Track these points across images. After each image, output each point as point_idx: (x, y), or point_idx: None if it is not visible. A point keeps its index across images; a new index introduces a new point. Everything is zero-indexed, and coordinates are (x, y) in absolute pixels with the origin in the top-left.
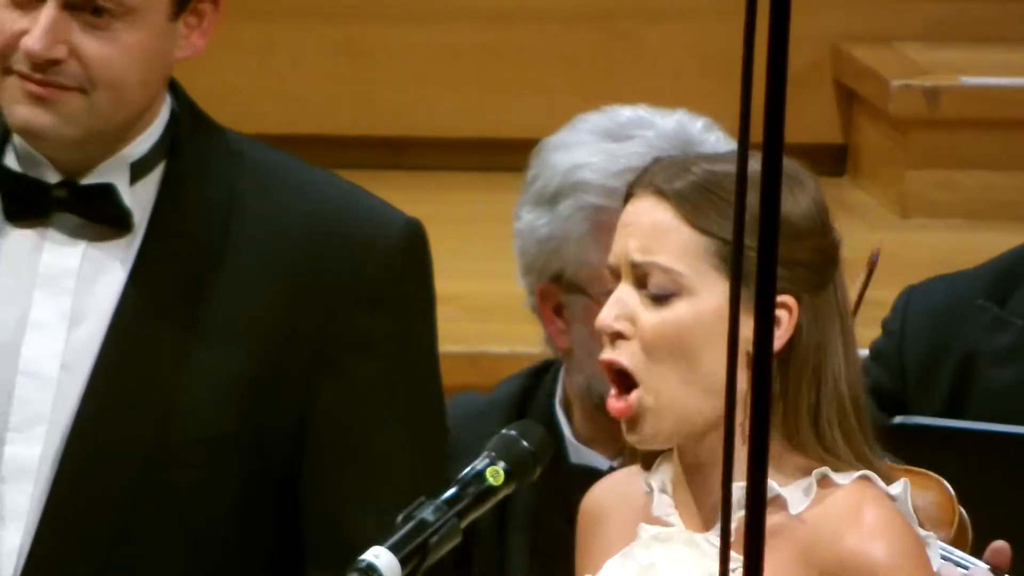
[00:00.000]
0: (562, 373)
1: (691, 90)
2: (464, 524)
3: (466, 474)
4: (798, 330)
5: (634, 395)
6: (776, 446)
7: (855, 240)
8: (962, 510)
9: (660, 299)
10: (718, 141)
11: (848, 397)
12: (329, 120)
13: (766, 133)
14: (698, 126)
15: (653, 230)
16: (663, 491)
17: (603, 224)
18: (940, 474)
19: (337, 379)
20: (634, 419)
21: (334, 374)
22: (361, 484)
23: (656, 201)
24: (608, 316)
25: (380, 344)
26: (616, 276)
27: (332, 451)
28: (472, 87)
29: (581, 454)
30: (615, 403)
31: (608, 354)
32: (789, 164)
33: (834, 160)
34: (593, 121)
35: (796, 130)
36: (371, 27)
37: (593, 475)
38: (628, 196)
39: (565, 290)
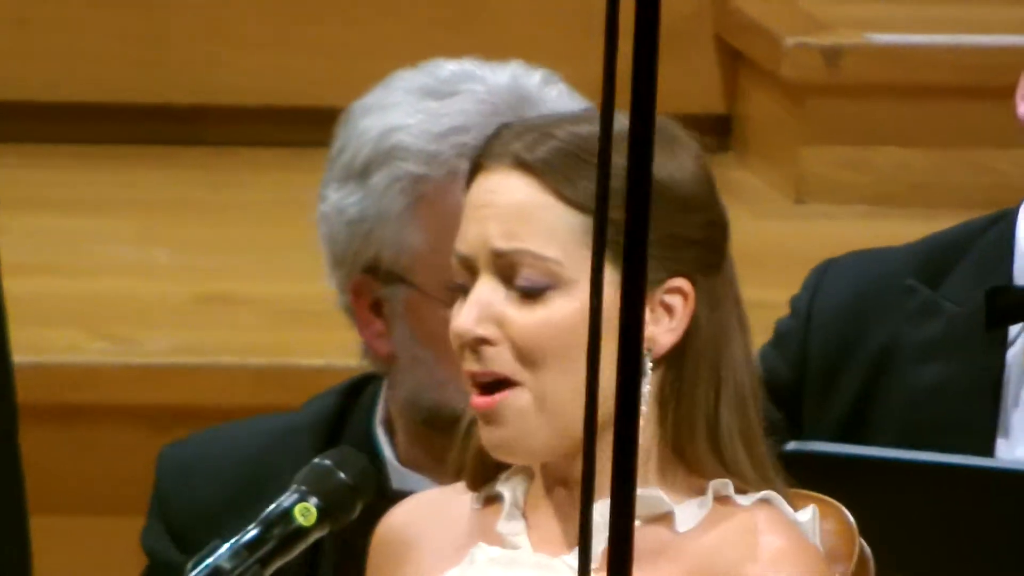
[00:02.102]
0: (383, 389)
1: (545, 52)
2: (268, 572)
3: (270, 512)
4: (694, 320)
5: (508, 392)
6: (666, 462)
7: (741, 230)
8: (863, 543)
9: (532, 294)
10: (560, 97)
11: (750, 403)
12: (106, 85)
13: (633, 102)
14: (535, 80)
15: (517, 210)
16: (515, 504)
17: (425, 197)
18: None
19: None
20: (501, 413)
21: None
22: None
23: (516, 174)
24: (467, 319)
25: None
26: (469, 270)
27: None
28: (282, 46)
29: (406, 480)
30: (480, 399)
31: (474, 365)
32: (664, 122)
33: (715, 133)
34: (410, 78)
35: (669, 97)
36: None
37: None
38: (474, 171)
39: (383, 282)
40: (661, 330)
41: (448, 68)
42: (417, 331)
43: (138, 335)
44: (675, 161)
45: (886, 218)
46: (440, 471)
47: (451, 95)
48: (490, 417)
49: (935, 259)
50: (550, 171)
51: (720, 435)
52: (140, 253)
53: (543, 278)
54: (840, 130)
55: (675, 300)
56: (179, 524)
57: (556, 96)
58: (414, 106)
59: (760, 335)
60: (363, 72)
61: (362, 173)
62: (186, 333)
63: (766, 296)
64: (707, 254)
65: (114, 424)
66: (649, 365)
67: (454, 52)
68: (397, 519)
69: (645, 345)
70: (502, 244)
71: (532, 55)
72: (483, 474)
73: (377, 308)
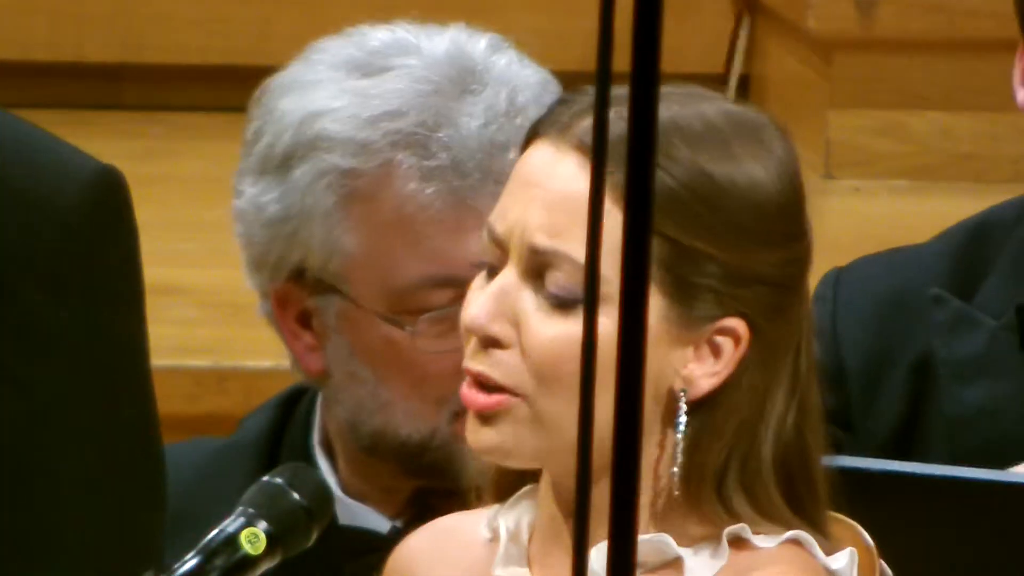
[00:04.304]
0: (319, 404)
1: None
2: None
3: (212, 538)
4: (739, 369)
5: (505, 396)
6: (679, 507)
7: None
8: (884, 565)
9: (562, 304)
10: (510, 66)
11: (774, 459)
12: (16, 42)
13: (634, 61)
14: (480, 47)
15: (566, 202)
16: (514, 540)
17: (357, 194)
18: (878, 529)
19: (4, 389)
20: (494, 415)
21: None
22: (26, 532)
23: (575, 157)
24: (481, 312)
25: (64, 341)
26: (500, 250)
27: None
28: None
29: (352, 513)
30: (473, 393)
31: (477, 364)
32: (746, 115)
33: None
34: (334, 50)
35: (677, 55)
36: None
37: (369, 541)
38: (530, 137)
39: (311, 291)
40: (703, 372)
41: (378, 37)
42: (355, 347)
43: None
44: (759, 169)
45: (928, 194)
46: (390, 502)
47: (383, 71)
48: (482, 416)
49: (963, 261)
50: (615, 165)
51: (725, 491)
52: None
53: (578, 289)
54: (875, 92)
55: (725, 342)
56: None
57: (505, 65)
58: (340, 85)
59: None
60: (318, 23)
61: (282, 165)
62: None
63: None
64: (777, 296)
65: None
66: (683, 407)
67: (422, 11)
68: (408, 549)
69: (680, 385)
70: (541, 240)
71: (513, 9)
72: (508, 482)
73: (305, 319)
